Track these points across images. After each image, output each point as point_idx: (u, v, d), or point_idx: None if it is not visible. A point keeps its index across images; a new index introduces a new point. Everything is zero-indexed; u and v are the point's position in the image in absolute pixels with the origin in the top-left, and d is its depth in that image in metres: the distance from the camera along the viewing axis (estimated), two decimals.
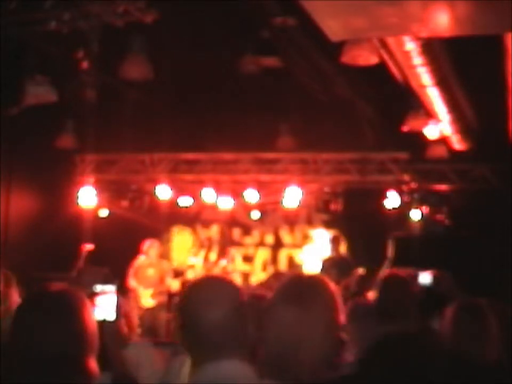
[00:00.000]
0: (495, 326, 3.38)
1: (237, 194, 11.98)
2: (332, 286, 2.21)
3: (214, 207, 12.31)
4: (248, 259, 13.23)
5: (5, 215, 10.33)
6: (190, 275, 11.43)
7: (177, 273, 11.56)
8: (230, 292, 2.09)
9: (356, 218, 11.45)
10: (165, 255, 12.97)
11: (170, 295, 10.54)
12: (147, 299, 10.21)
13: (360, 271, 10.00)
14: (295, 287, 2.19)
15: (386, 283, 3.72)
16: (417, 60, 7.25)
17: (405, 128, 9.56)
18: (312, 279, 2.26)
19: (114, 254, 10.67)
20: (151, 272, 10.48)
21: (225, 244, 12.97)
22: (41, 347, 2.15)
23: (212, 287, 2.11)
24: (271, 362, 2.06)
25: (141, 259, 10.54)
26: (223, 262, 11.65)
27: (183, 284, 10.98)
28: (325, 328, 2.09)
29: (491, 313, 3.44)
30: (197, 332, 2.02)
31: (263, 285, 10.25)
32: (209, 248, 13.18)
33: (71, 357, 2.16)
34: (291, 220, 13.02)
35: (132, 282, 10.29)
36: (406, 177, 11.10)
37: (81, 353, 2.18)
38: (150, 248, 10.59)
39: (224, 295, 2.07)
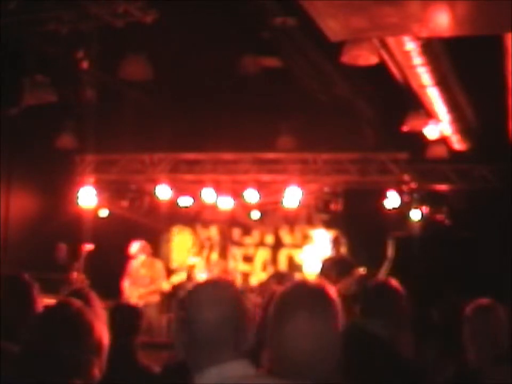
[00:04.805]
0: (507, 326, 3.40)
1: (237, 194, 11.97)
2: (333, 290, 2.22)
3: (214, 207, 12.28)
4: (248, 259, 13.23)
5: (5, 215, 10.34)
6: (192, 275, 11.37)
7: (177, 273, 11.54)
8: (229, 293, 2.12)
9: (356, 218, 11.44)
10: (165, 255, 12.98)
11: (164, 295, 10.50)
12: (137, 299, 10.11)
13: (361, 271, 10.00)
14: (307, 293, 2.19)
15: (375, 288, 3.72)
16: (417, 59, 7.25)
17: (405, 128, 9.55)
18: (319, 286, 2.26)
19: (114, 254, 10.67)
20: (142, 272, 10.41)
21: (226, 244, 12.94)
22: (55, 356, 2.30)
23: (211, 287, 2.15)
24: (282, 367, 2.06)
25: (134, 260, 10.48)
26: (228, 262, 11.62)
27: (175, 286, 10.95)
28: (335, 333, 2.12)
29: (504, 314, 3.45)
30: (198, 332, 2.04)
31: (262, 285, 10.24)
32: (210, 249, 13.17)
33: (79, 363, 2.33)
34: (291, 219, 13.01)
35: (125, 283, 10.24)
36: (406, 177, 11.08)
37: (90, 362, 2.35)
38: (140, 251, 10.47)
39: (223, 295, 2.10)
